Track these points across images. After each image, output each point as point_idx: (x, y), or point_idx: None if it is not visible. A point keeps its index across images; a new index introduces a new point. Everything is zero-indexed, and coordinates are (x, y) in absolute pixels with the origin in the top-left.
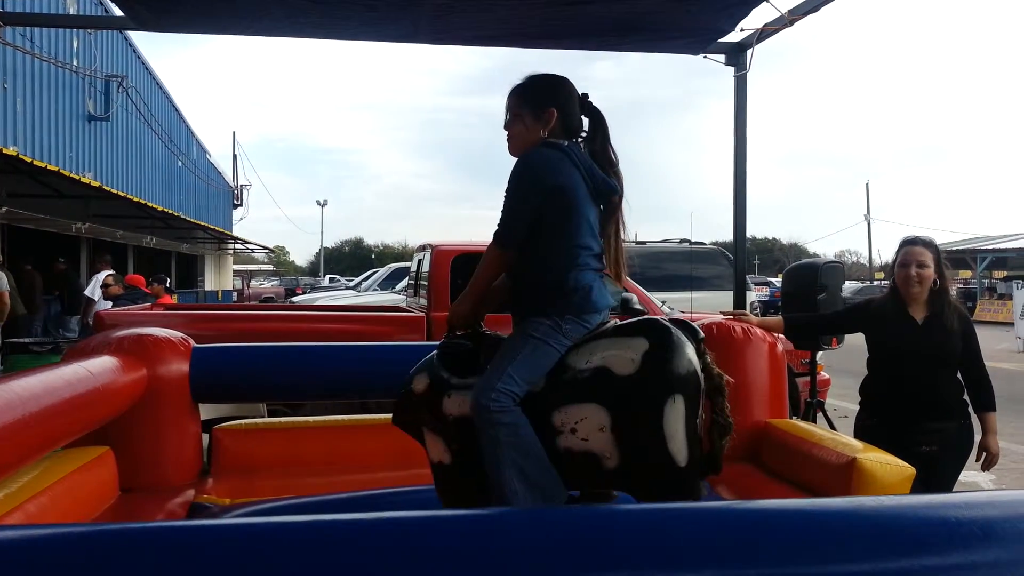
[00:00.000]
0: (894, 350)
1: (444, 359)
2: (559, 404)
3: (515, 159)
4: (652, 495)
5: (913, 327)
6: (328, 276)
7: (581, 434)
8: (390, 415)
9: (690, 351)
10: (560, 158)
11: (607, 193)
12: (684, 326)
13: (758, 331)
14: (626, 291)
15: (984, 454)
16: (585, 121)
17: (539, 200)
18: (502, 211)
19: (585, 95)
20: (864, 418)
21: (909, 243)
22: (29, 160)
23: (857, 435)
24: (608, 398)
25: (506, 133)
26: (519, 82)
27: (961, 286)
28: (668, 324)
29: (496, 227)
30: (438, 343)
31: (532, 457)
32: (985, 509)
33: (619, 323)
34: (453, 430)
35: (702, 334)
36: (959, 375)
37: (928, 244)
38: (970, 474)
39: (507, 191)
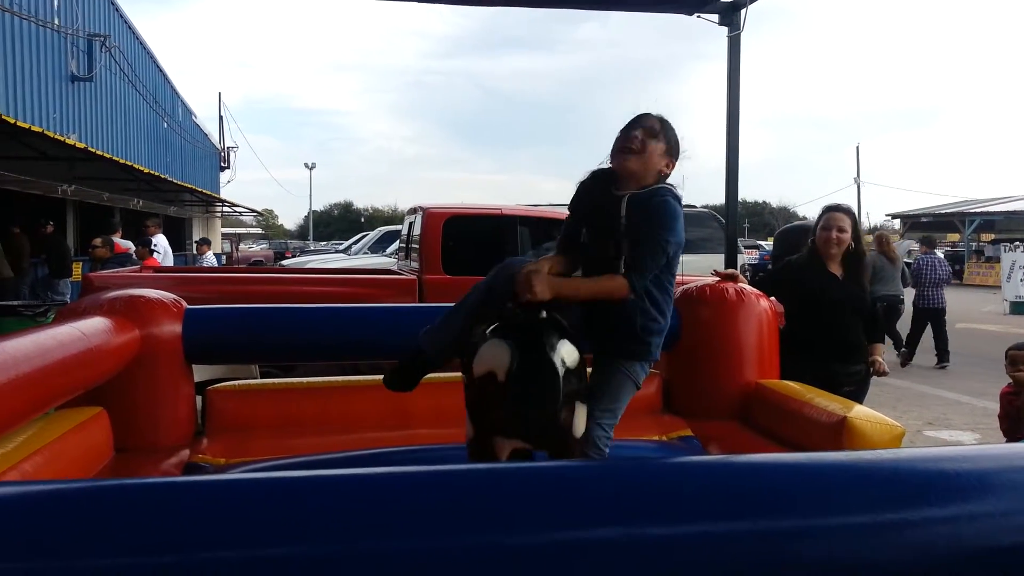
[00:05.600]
0: (821, 301)
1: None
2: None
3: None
4: None
5: (835, 281)
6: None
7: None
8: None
9: None
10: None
11: None
12: None
13: (750, 291)
14: None
15: (874, 365)
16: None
17: (675, 250)
18: (647, 249)
19: None
20: (794, 364)
21: (832, 209)
22: (12, 121)
23: (785, 377)
24: None
25: (631, 148)
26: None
27: (949, 249)
28: None
29: (634, 262)
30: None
31: None
32: (981, 461)
33: None
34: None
35: None
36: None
37: (847, 211)
38: (955, 433)
39: (652, 230)
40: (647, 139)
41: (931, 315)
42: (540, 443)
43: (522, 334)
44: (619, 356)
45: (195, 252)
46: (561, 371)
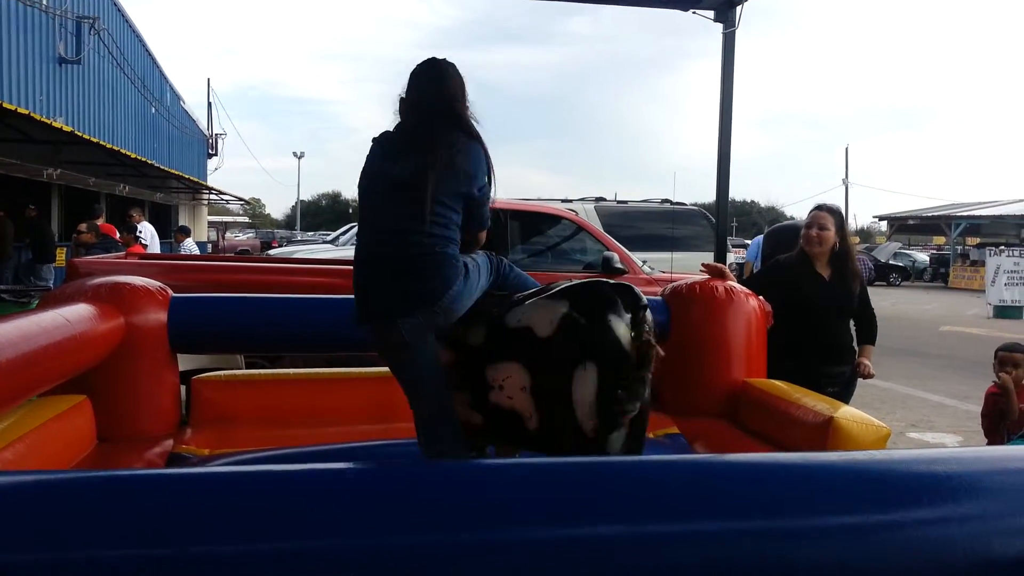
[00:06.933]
0: (807, 302)
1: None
2: (491, 360)
3: None
4: None
5: (822, 282)
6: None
7: (507, 392)
8: (369, 369)
9: (616, 321)
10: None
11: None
12: (626, 293)
13: (740, 290)
14: (608, 250)
15: (859, 367)
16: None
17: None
18: None
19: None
20: (779, 363)
21: (816, 208)
22: None
23: (771, 377)
24: (528, 358)
25: None
26: None
27: (935, 252)
28: (601, 290)
29: None
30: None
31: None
32: (972, 464)
33: (565, 283)
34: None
35: (644, 302)
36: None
37: (832, 211)
38: (939, 435)
39: None
40: None
41: None
42: None
43: None
44: None
45: (173, 240)
46: None
